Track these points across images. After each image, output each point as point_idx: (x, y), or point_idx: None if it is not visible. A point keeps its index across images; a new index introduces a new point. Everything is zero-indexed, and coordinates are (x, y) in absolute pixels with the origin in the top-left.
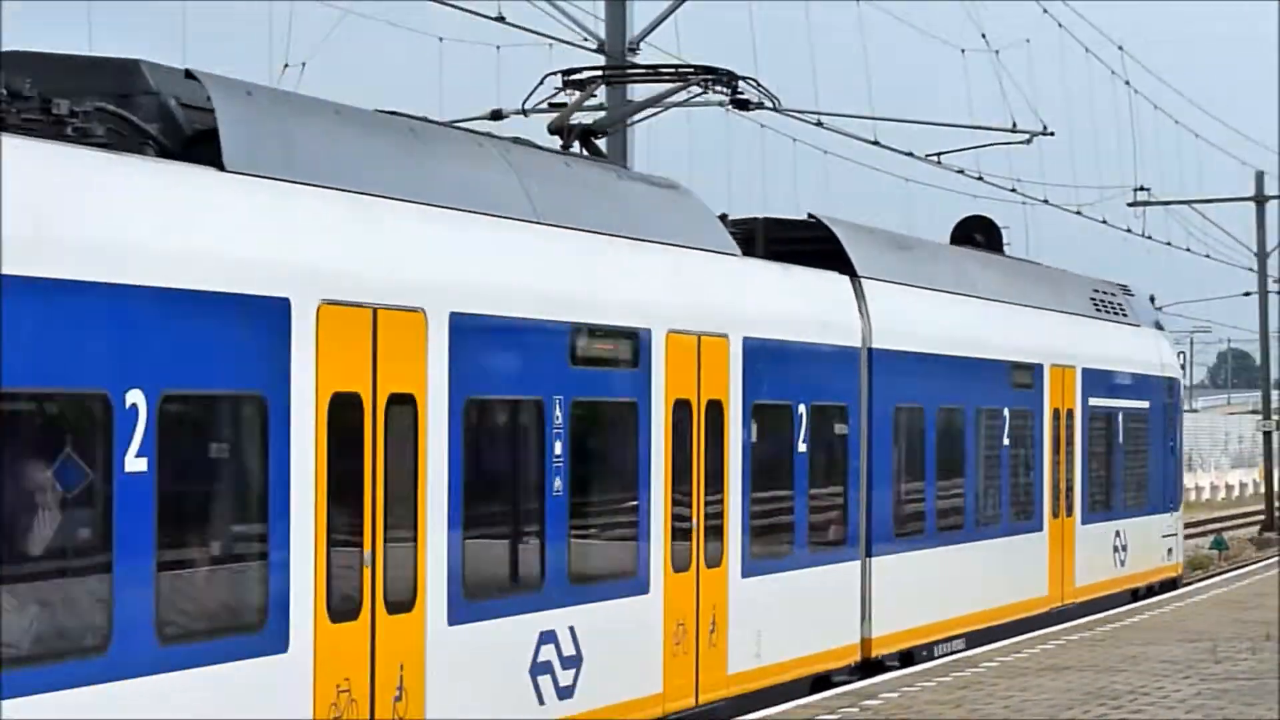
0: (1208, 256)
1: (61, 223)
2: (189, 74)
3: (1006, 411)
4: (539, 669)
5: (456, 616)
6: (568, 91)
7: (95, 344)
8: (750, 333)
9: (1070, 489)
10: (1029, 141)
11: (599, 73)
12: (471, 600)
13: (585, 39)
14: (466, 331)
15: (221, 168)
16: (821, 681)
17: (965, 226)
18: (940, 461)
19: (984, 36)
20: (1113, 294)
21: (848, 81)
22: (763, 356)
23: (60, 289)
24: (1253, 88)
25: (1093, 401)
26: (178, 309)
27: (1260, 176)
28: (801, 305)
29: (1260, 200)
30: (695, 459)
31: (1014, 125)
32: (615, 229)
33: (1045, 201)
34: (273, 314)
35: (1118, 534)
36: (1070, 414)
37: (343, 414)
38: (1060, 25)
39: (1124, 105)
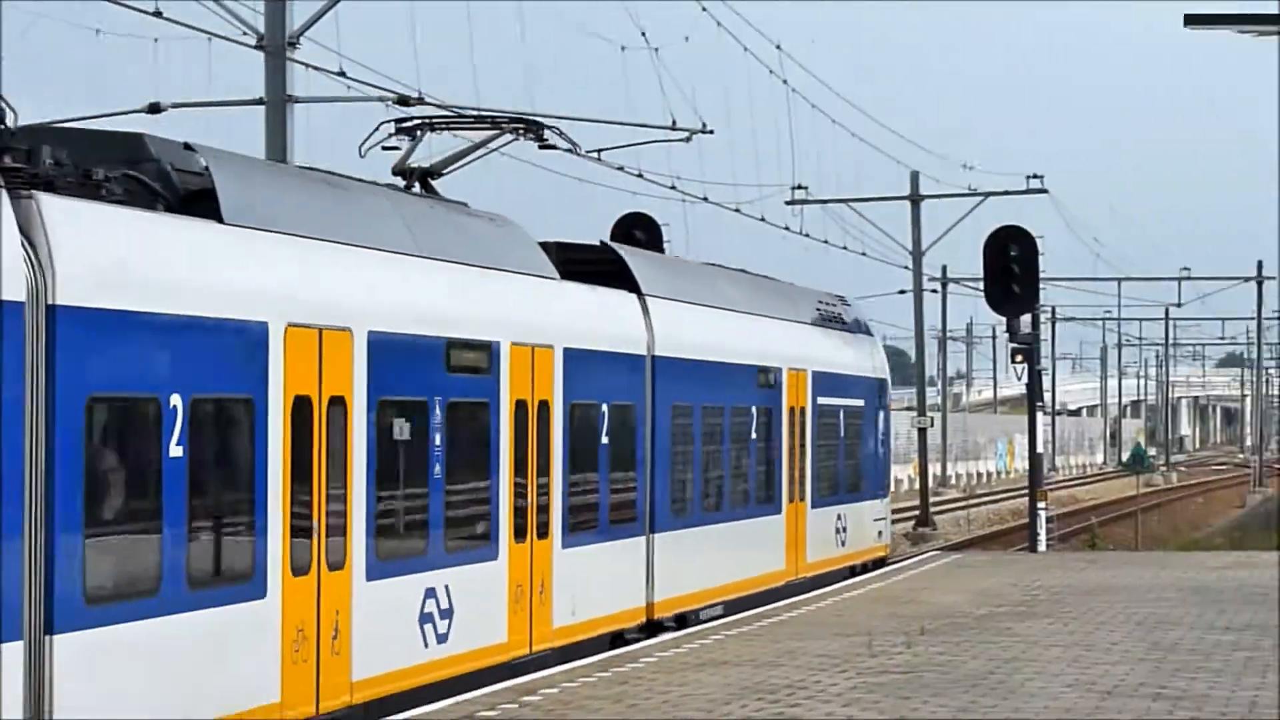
0: (864, 254)
1: (130, 267)
2: (187, 145)
3: (754, 409)
4: (425, 618)
5: (372, 575)
6: (398, 137)
7: (152, 359)
8: (569, 344)
9: (803, 477)
10: (688, 139)
11: (426, 121)
12: (381, 561)
13: (245, 33)
14: (379, 346)
15: (221, 220)
16: (618, 638)
17: (626, 224)
18: (704, 452)
19: (644, 34)
20: (834, 304)
21: (507, 78)
22: (578, 363)
23: (130, 318)
24: (907, 91)
25: (820, 400)
26: (200, 332)
27: (915, 176)
28: (604, 320)
29: (915, 200)
30: (530, 449)
31: (674, 123)
32: (469, 258)
33: (705, 199)
34: (258, 334)
35: (839, 517)
36: (803, 411)
37: (300, 412)
38: (719, 24)
39: (782, 105)
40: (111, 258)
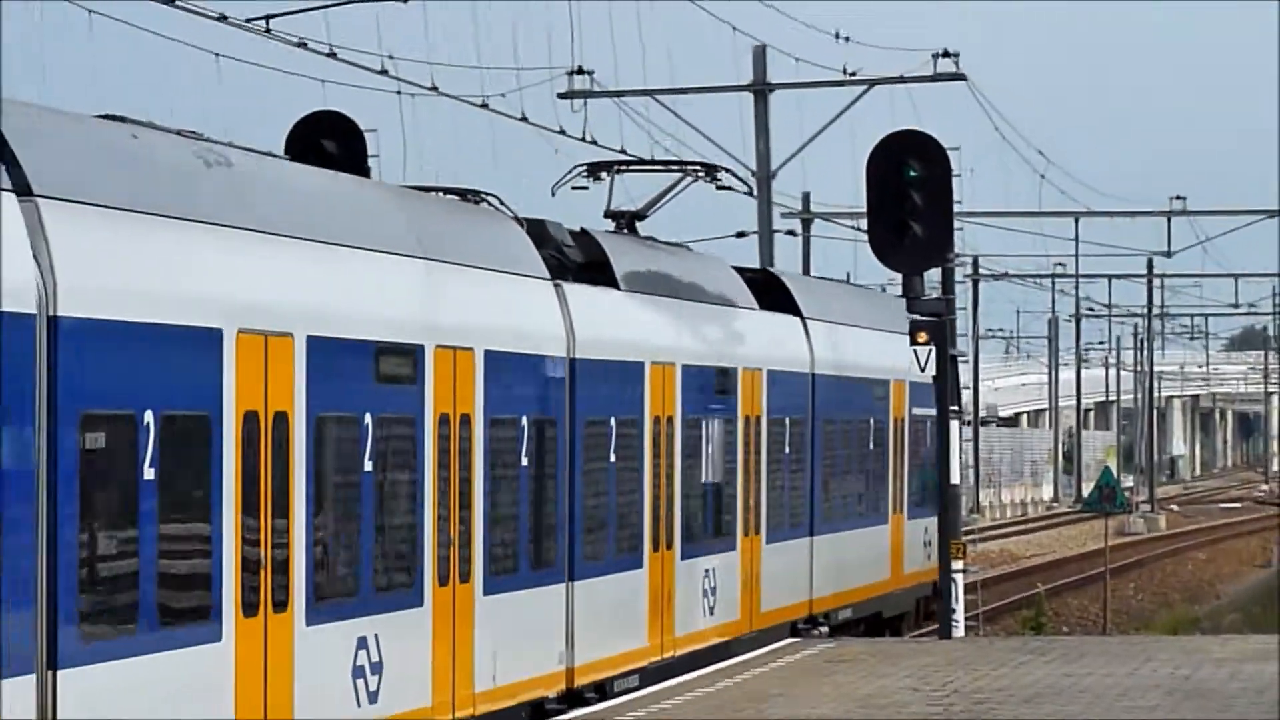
0: (681, 173)
1: (591, 327)
2: (584, 230)
3: (871, 421)
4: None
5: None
6: (589, 177)
7: (607, 388)
8: (771, 367)
9: (902, 489)
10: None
11: (615, 165)
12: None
13: None
14: (685, 373)
15: (617, 287)
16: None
17: (310, 128)
18: (843, 463)
19: None
20: None
21: None
22: (775, 385)
23: (598, 362)
24: None
25: (914, 411)
26: (616, 368)
27: (761, 53)
28: (788, 345)
29: (760, 89)
30: (751, 453)
31: None
32: (714, 299)
33: (434, 90)
34: (639, 370)
35: (925, 530)
36: (902, 422)
37: (657, 423)
38: None
39: None
40: (590, 321)
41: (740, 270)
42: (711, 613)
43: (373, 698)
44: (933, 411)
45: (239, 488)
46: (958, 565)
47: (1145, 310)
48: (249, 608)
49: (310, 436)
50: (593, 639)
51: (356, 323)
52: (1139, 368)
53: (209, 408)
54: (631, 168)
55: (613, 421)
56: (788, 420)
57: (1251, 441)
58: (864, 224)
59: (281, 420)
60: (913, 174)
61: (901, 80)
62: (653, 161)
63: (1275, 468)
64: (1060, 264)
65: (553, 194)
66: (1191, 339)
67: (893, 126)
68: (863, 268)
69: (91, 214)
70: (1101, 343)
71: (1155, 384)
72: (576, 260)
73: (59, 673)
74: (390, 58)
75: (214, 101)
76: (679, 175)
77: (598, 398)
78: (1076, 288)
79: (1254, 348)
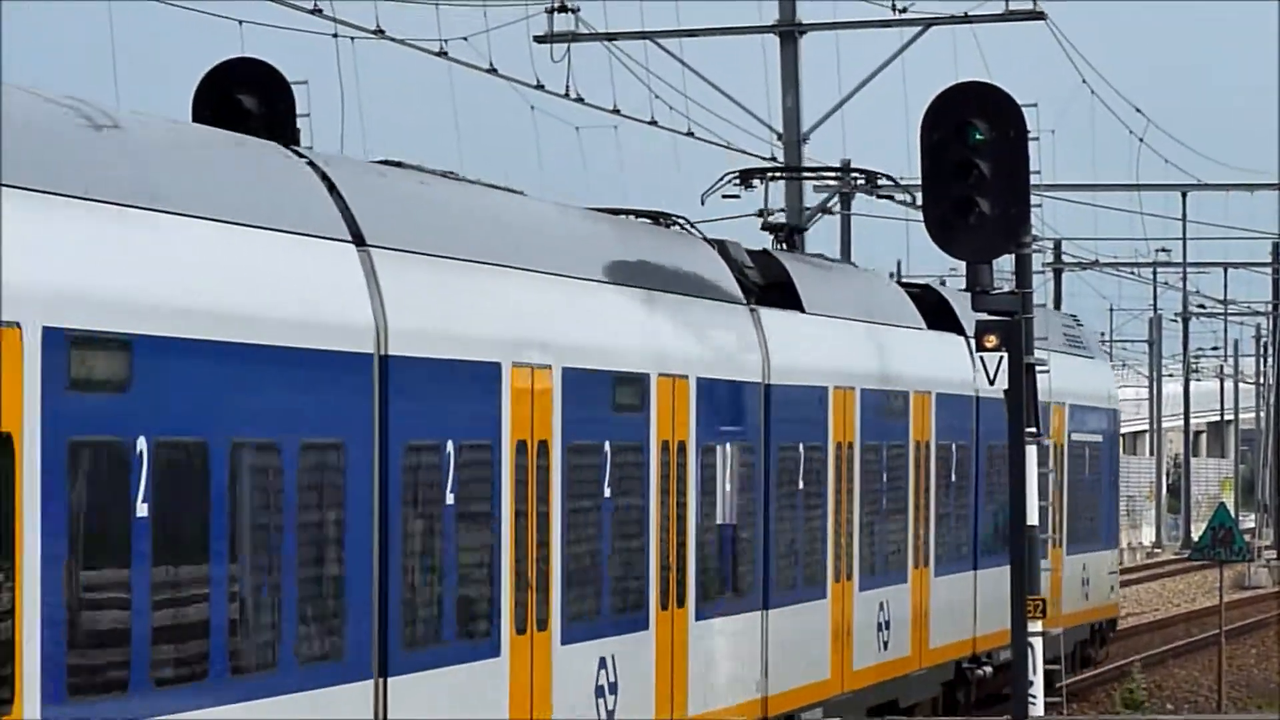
0: (690, 135)
1: (783, 352)
2: (765, 251)
3: None
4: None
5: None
6: (741, 185)
7: (802, 411)
8: (939, 390)
9: (1060, 520)
10: None
11: (769, 172)
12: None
13: None
14: (865, 396)
15: (802, 310)
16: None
17: (222, 80)
18: (1003, 493)
19: None
20: (1071, 325)
21: None
22: (943, 407)
23: (789, 387)
24: None
25: (1073, 436)
26: (801, 391)
27: None
28: (954, 367)
29: (789, 30)
30: (921, 481)
31: None
32: (889, 319)
33: (379, 33)
34: (821, 395)
35: (1084, 567)
36: (1060, 448)
37: (838, 451)
38: None
39: None
40: (782, 346)
41: (904, 285)
42: (885, 647)
43: (609, 718)
44: (1093, 436)
45: (513, 512)
46: (1035, 627)
47: (1270, 307)
48: (520, 626)
49: (565, 464)
50: (784, 669)
51: (598, 354)
52: (1262, 379)
53: (491, 437)
54: (791, 176)
55: (801, 448)
56: (954, 446)
57: None
58: (918, 199)
59: (544, 449)
60: (979, 137)
61: (966, 20)
62: (811, 169)
63: None
64: (1164, 250)
65: (702, 202)
66: None
67: (955, 78)
68: (916, 255)
69: (409, 260)
70: (1215, 348)
71: None
72: (757, 282)
73: (389, 680)
74: None
75: (106, 49)
76: (837, 183)
77: (789, 424)
78: (1184, 279)
79: None
